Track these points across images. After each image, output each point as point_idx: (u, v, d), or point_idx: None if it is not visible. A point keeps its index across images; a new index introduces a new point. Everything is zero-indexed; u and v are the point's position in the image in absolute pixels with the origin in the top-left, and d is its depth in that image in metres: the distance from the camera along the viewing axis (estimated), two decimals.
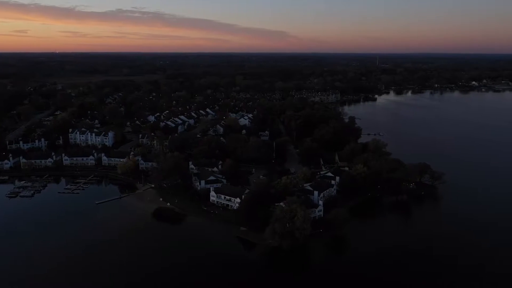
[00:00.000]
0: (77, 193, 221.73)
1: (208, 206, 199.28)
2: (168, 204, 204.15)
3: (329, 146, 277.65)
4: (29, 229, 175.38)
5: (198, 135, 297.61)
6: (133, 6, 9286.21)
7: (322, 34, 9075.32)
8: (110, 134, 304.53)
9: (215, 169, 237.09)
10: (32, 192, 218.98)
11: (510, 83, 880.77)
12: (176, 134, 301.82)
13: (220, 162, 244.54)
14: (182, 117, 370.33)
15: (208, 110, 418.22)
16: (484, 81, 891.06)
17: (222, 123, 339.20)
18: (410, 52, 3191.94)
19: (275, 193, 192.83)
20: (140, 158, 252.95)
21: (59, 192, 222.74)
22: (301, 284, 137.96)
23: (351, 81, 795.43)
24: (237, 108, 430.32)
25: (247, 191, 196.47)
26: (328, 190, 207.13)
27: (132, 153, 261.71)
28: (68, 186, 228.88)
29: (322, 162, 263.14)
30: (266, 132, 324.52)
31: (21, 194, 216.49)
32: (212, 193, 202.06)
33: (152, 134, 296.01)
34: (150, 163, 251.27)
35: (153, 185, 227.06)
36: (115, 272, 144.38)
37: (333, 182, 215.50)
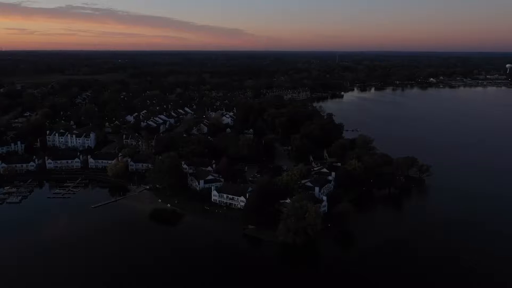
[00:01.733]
0: (68, 197, 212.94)
1: (210, 205, 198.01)
2: (169, 205, 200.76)
3: (316, 143, 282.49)
4: (28, 236, 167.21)
5: (184, 135, 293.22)
6: (84, 2, 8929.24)
7: (278, 32, 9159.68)
8: (92, 135, 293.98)
9: (209, 168, 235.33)
10: (19, 198, 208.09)
11: (464, 79, 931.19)
12: (161, 134, 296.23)
13: (213, 161, 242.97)
14: (162, 116, 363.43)
15: (186, 109, 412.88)
16: (441, 77, 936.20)
17: (206, 122, 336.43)
18: (365, 50, 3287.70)
19: (278, 191, 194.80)
20: (129, 160, 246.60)
21: (48, 197, 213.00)
22: (316, 281, 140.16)
23: (317, 78, 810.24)
24: (215, 107, 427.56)
25: (250, 189, 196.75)
26: (326, 186, 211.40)
27: (120, 154, 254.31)
28: (57, 191, 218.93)
29: (311, 159, 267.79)
30: (250, 130, 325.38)
31: (8, 200, 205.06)
32: (214, 192, 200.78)
33: (137, 134, 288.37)
34: (140, 164, 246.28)
35: (148, 187, 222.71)
36: (134, 272, 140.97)
37: (330, 177, 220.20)
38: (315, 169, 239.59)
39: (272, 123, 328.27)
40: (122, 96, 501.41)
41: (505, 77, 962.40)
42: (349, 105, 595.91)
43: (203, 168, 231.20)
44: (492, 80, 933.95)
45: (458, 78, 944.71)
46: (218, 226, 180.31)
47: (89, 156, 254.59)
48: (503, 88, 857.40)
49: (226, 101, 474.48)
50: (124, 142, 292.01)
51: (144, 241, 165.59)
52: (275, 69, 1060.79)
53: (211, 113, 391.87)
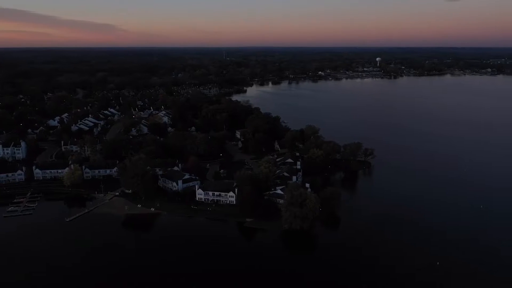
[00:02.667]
0: (29, 213, 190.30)
1: (197, 204, 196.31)
2: (152, 209, 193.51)
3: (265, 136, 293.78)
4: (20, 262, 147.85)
5: (130, 136, 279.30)
6: None
7: (152, 27, 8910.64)
8: (23, 144, 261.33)
9: (175, 168, 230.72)
10: None
11: (347, 72, 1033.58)
12: (105, 138, 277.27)
13: (177, 161, 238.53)
14: (90, 118, 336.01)
15: (111, 110, 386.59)
16: (328, 71, 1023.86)
17: (144, 122, 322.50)
18: (246, 46, 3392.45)
19: (263, 183, 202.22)
20: (85, 167, 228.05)
21: (5, 216, 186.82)
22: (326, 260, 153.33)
23: (217, 74, 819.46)
24: (139, 106, 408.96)
25: (234, 184, 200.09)
26: (298, 174, 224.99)
27: (70, 162, 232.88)
28: (11, 208, 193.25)
29: (263, 150, 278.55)
30: (193, 128, 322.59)
31: None
32: (199, 191, 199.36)
33: (80, 139, 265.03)
34: (97, 171, 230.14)
35: (117, 193, 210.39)
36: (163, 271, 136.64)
37: (298, 167, 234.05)
38: (278, 159, 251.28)
39: (213, 119, 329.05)
40: (22, 100, 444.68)
41: (378, 69, 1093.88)
42: (259, 99, 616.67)
43: (173, 169, 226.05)
44: (368, 72, 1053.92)
45: (341, 71, 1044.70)
46: (216, 224, 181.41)
47: (33, 167, 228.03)
48: (378, 79, 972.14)
49: (146, 99, 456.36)
50: (63, 149, 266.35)
51: (149, 247, 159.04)
52: (169, 65, 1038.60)
53: (140, 112, 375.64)
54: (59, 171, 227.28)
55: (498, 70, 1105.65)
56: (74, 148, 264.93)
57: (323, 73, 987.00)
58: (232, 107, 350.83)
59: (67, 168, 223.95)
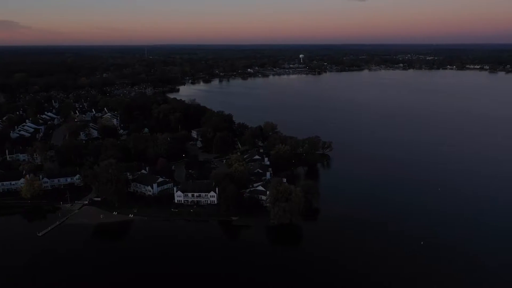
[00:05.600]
0: None
1: (177, 207, 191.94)
2: (131, 215, 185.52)
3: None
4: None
5: (83, 141, 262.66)
6: None
7: (60, 25, 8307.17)
8: None
9: (143, 171, 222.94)
10: None
11: (274, 69, 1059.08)
12: (54, 144, 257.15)
13: (143, 164, 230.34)
14: (30, 124, 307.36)
15: (49, 113, 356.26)
16: (256, 68, 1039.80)
17: (92, 125, 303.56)
18: (166, 43, 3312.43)
19: (242, 180, 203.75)
20: (42, 176, 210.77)
21: None
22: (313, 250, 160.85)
23: (148, 74, 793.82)
24: (79, 108, 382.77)
25: (213, 183, 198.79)
26: (269, 170, 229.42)
27: (24, 172, 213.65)
28: None
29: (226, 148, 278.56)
30: (146, 129, 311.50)
31: None
32: (178, 193, 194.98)
33: (29, 147, 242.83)
34: (56, 180, 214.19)
35: (86, 202, 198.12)
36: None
37: (266, 163, 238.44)
38: (245, 156, 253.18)
39: (165, 120, 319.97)
40: None
41: (303, 65, 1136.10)
42: (195, 98, 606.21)
43: (142, 172, 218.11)
44: (294, 68, 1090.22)
45: (269, 68, 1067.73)
46: (203, 225, 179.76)
47: None
48: (304, 75, 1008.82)
49: (83, 101, 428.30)
50: (8, 158, 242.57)
51: (155, 254, 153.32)
52: (89, 65, 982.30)
53: (82, 115, 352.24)
54: (13, 183, 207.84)
55: (409, 65, 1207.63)
56: (22, 156, 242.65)
57: (252, 70, 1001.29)
58: (184, 107, 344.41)
59: (22, 179, 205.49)
